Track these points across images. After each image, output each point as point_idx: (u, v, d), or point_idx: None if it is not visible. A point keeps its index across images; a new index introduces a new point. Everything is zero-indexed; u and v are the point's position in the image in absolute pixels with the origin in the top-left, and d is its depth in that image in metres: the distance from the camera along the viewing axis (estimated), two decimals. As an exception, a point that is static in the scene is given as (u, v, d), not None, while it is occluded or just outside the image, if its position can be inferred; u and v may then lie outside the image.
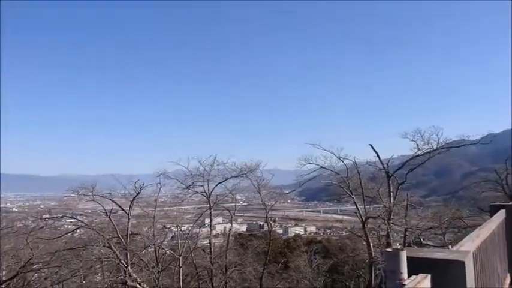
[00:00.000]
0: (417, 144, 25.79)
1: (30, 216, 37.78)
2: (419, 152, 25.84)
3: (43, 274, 30.97)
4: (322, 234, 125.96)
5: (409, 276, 4.31)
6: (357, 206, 25.41)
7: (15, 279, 29.58)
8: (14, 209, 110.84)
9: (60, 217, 29.19)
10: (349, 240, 36.73)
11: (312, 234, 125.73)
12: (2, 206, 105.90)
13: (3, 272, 30.37)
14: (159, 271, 22.79)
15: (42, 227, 30.53)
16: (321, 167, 26.92)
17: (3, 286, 30.93)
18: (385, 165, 26.87)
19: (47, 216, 31.51)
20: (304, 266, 30.70)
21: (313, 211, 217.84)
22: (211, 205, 26.05)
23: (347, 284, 33.06)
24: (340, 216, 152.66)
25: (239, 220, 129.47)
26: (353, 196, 25.65)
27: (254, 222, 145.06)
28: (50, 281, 29.48)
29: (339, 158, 26.55)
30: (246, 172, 26.56)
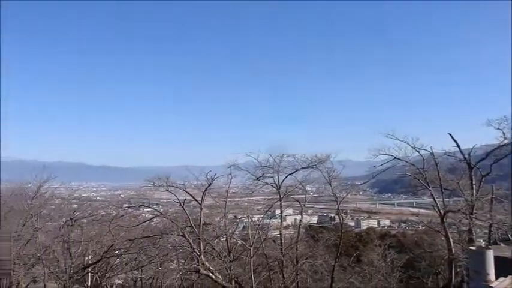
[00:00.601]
0: (503, 133, 23.91)
1: (111, 205, 40.02)
2: (506, 141, 23.94)
3: (124, 259, 32.83)
4: (396, 227, 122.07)
5: (496, 277, 3.87)
6: (434, 199, 24.13)
7: (99, 263, 31.65)
8: (97, 198, 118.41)
9: (139, 206, 30.59)
10: (426, 235, 35.01)
11: (386, 227, 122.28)
12: (86, 195, 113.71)
13: (89, 256, 32.57)
14: (230, 260, 23.15)
15: (123, 215, 32.30)
16: (395, 157, 25.83)
17: (89, 269, 33.23)
18: (467, 156, 25.21)
19: (127, 205, 33.29)
20: (378, 261, 29.77)
21: (386, 204, 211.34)
22: (281, 196, 25.97)
23: (424, 281, 31.64)
24: (416, 210, 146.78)
25: (309, 212, 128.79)
26: (430, 188, 24.37)
27: (325, 214, 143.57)
28: (129, 266, 31.20)
29: (414, 148, 25.31)
30: (316, 163, 26.11)
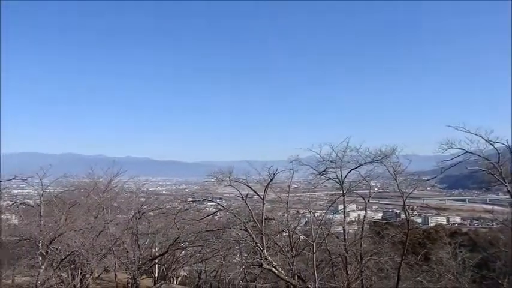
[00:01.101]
0: None
1: (177, 199, 41.20)
2: None
3: (189, 252, 33.71)
4: (468, 225, 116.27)
5: None
6: (511, 195, 22.48)
7: (166, 255, 32.72)
8: (163, 192, 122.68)
9: (202, 200, 31.26)
10: (501, 234, 32.80)
11: (456, 224, 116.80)
12: (153, 189, 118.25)
13: (156, 248, 33.79)
14: (293, 256, 23.00)
15: (187, 209, 33.11)
16: (466, 151, 24.30)
17: (156, 260, 34.47)
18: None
19: (191, 199, 34.11)
20: (448, 259, 28.28)
21: (457, 200, 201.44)
22: (344, 192, 25.36)
23: (499, 281, 29.68)
24: (489, 206, 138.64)
25: (374, 207, 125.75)
26: (506, 184, 22.71)
27: (390, 210, 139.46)
28: (194, 258, 31.98)
29: (487, 141, 23.63)
30: (380, 158, 25.19)
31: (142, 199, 39.21)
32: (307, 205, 29.31)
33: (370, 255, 25.08)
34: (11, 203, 31.17)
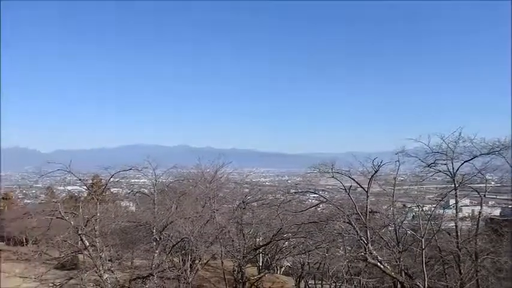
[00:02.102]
0: None
1: (279, 190, 41.72)
2: None
3: (291, 243, 33.93)
4: None
5: None
6: None
7: (269, 245, 33.32)
8: (266, 183, 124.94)
9: (304, 192, 31.13)
10: None
11: None
12: (256, 180, 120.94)
13: (260, 238, 34.55)
14: (399, 251, 21.97)
15: (290, 200, 33.29)
16: None
17: (260, 250, 35.27)
18: None
19: (294, 190, 34.14)
20: None
21: None
22: (457, 185, 23.52)
23: None
24: None
25: (490, 203, 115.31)
26: None
27: (510, 207, 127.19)
28: (297, 250, 32.11)
29: None
30: (499, 149, 22.87)
31: (246, 190, 40.23)
32: (415, 199, 27.80)
33: (487, 254, 23.05)
34: (129, 192, 33.94)
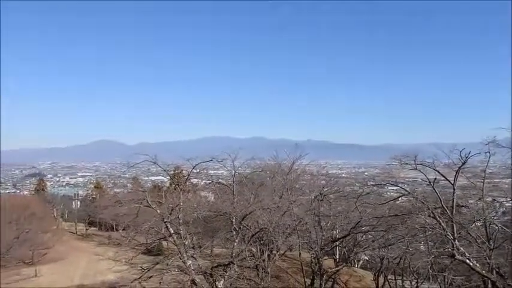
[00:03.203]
0: None
1: (357, 182, 40.95)
2: None
3: (370, 236, 33.18)
4: None
5: None
6: None
7: (347, 238, 32.84)
8: (343, 175, 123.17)
9: (384, 184, 30.26)
10: None
11: None
12: (333, 172, 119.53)
13: (337, 231, 34.16)
14: (490, 249, 20.64)
15: (368, 192, 32.52)
16: None
17: (337, 243, 34.87)
18: None
19: (372, 183, 33.35)
20: None
21: None
22: (556, 179, 21.53)
23: None
24: None
25: None
26: None
27: None
28: (376, 243, 31.33)
29: None
30: None
31: (323, 182, 39.98)
32: (507, 193, 25.91)
33: None
34: (209, 182, 35.03)
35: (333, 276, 33.03)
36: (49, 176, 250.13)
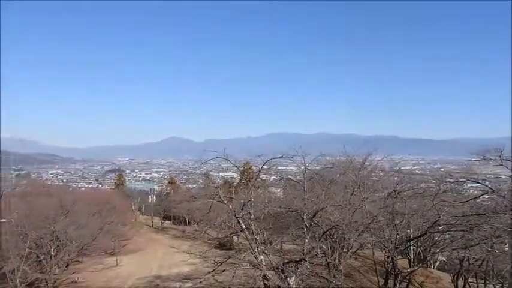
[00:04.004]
0: None
1: (434, 178, 38.85)
2: None
3: (448, 236, 31.50)
4: None
5: None
6: None
7: (423, 237, 31.40)
8: (416, 171, 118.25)
9: (463, 181, 28.59)
10: None
11: None
12: (408, 168, 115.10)
13: (412, 229, 32.78)
14: None
15: (445, 190, 30.84)
16: None
17: (412, 242, 33.47)
18: None
19: (450, 179, 31.55)
20: None
21: None
22: None
23: None
24: None
25: None
26: None
27: None
28: (456, 243, 29.61)
29: None
30: None
31: (396, 178, 38.55)
32: None
33: None
34: (279, 179, 35.08)
35: (408, 277, 31.75)
36: (127, 171, 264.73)
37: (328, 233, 27.38)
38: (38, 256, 33.73)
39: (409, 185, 35.17)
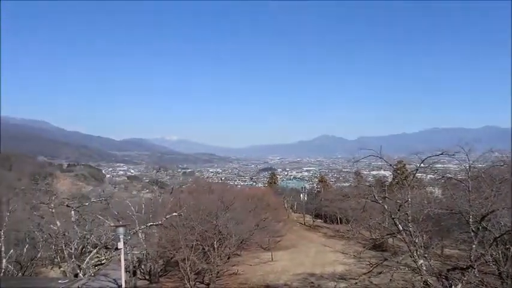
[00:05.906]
0: None
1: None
2: None
3: None
4: None
5: None
6: None
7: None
8: None
9: None
10: None
11: None
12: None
13: None
14: None
15: None
16: None
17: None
18: None
19: None
20: None
21: None
22: None
23: None
24: None
25: None
26: None
27: None
28: None
29: None
30: None
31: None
32: None
33: None
34: (438, 178, 32.51)
35: None
36: (279, 170, 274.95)
37: (499, 238, 24.32)
38: (203, 248, 36.71)
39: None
